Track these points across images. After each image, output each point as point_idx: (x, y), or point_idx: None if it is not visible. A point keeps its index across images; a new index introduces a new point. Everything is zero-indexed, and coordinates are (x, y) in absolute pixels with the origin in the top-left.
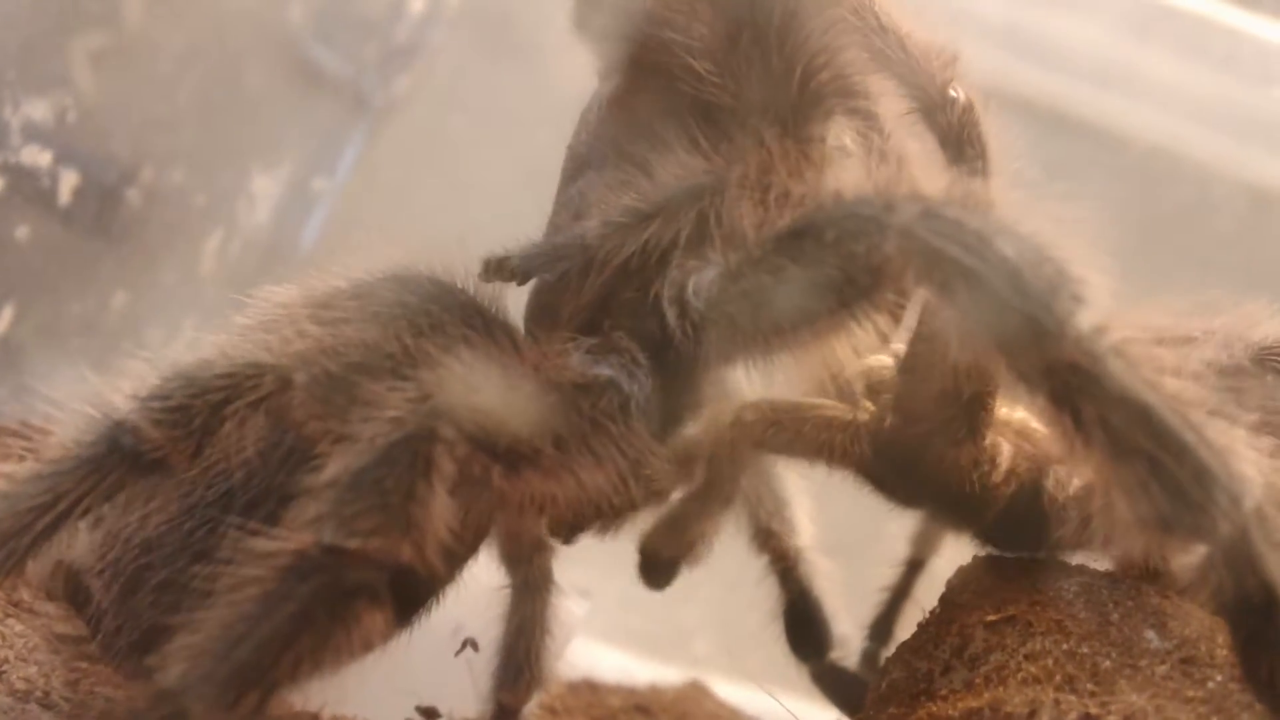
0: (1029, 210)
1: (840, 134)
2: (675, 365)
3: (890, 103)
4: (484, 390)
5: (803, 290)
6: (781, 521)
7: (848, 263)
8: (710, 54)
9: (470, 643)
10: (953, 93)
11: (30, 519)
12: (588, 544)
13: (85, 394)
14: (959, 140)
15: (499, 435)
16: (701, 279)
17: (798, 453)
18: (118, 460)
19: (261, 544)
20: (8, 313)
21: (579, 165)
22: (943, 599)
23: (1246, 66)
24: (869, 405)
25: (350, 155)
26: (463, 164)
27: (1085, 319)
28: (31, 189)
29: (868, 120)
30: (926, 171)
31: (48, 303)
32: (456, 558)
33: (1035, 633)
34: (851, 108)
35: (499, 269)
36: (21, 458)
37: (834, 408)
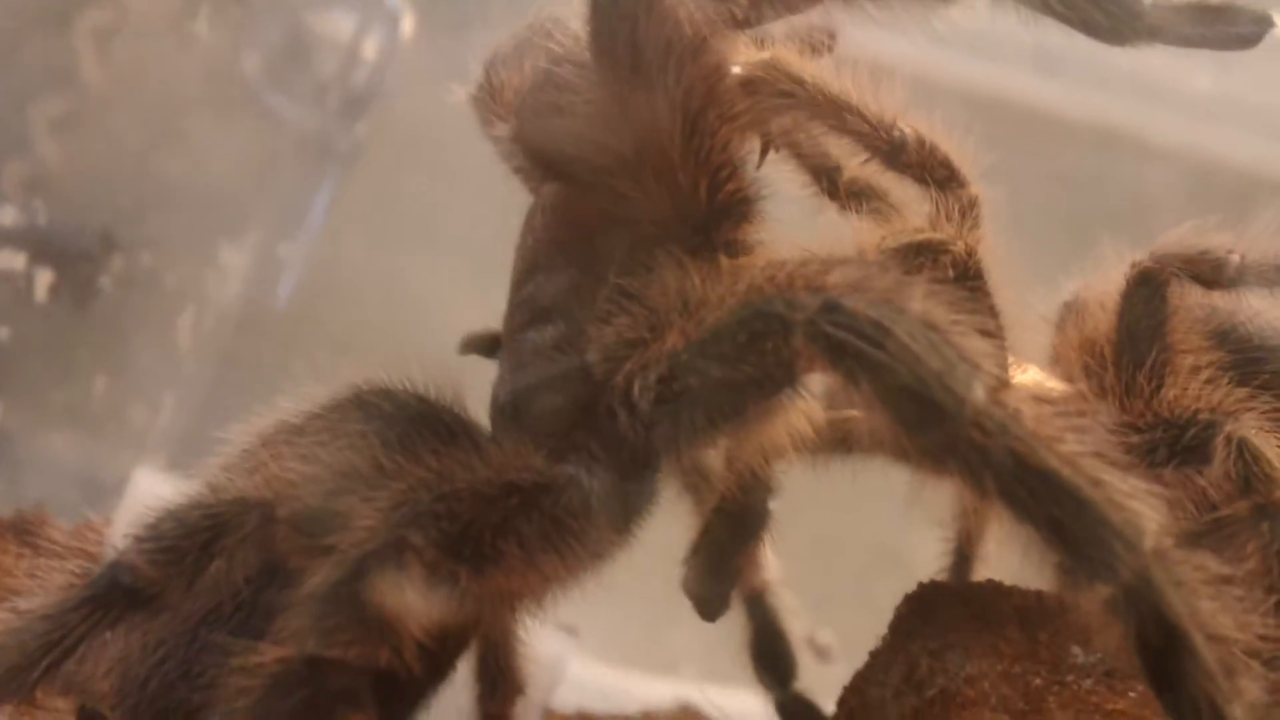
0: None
1: (760, 230)
2: (632, 460)
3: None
4: (449, 498)
5: (728, 390)
6: (749, 558)
7: (763, 360)
8: (626, 171)
9: None
10: (898, 134)
11: (39, 655)
12: None
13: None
14: (926, 173)
15: (464, 540)
16: (644, 382)
17: (828, 451)
18: (118, 596)
19: (249, 658)
20: None
21: (529, 268)
22: (891, 627)
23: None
24: None
25: (320, 205)
26: (431, 205)
27: (981, 393)
28: (9, 292)
29: (817, 163)
30: (900, 195)
31: (31, 394)
32: (441, 661)
33: (973, 656)
34: (799, 154)
35: (476, 345)
36: (19, 553)
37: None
